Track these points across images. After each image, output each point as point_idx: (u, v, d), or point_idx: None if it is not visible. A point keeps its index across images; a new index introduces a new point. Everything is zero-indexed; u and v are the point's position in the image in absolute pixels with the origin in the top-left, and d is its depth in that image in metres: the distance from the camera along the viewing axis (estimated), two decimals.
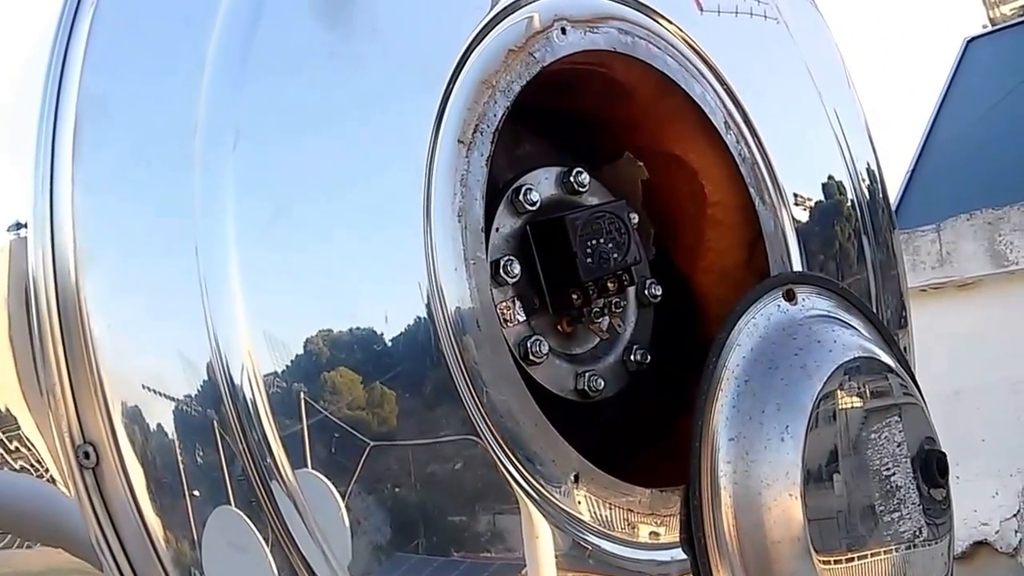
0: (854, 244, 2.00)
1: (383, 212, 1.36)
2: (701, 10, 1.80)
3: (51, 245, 1.16)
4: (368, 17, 1.41)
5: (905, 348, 2.10)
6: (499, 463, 1.39)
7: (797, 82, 1.95)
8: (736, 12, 1.88)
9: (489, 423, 1.38)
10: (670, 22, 1.75)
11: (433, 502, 1.37)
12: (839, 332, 1.77)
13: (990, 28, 6.18)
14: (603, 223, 1.63)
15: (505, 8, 1.54)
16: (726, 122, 1.78)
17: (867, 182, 2.04)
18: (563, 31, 1.60)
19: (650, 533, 1.56)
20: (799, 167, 1.91)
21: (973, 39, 6.03)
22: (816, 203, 1.94)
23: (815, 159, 1.99)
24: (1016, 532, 4.55)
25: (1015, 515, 4.56)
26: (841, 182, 2.00)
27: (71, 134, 1.17)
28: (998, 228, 4.44)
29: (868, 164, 2.06)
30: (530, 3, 1.57)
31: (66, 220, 1.16)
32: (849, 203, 2.00)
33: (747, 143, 1.80)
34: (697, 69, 1.76)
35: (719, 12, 1.85)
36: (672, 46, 1.74)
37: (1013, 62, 5.81)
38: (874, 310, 2.00)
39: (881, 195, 2.07)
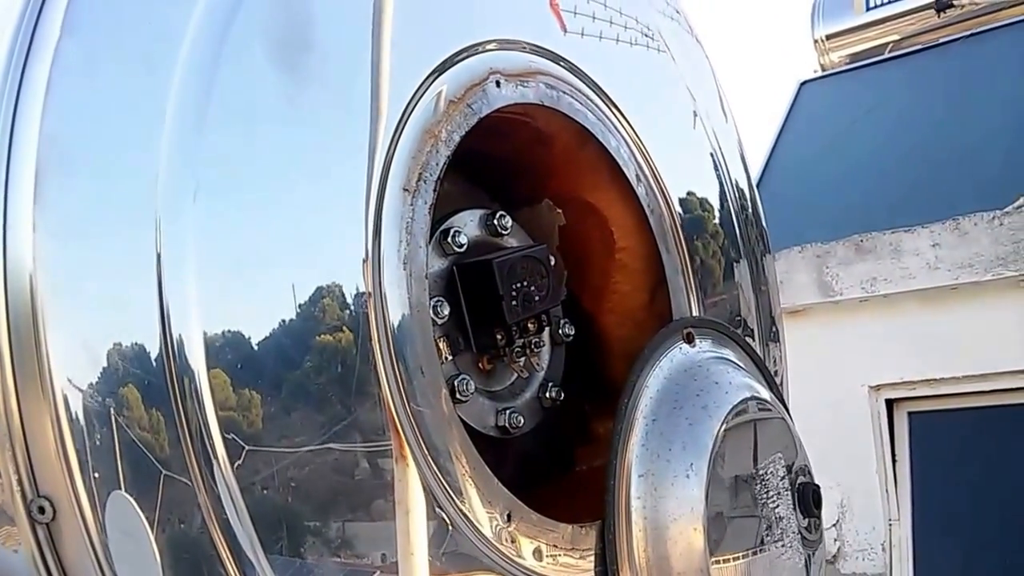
0: (731, 268, 2.13)
1: (336, 261, 1.39)
2: (564, 31, 1.85)
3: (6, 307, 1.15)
4: (321, 67, 1.44)
5: (778, 359, 2.27)
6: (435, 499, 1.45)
7: (697, 130, 2.08)
8: (631, 43, 1.98)
9: (431, 465, 1.44)
10: (589, 78, 1.84)
11: (366, 533, 1.41)
12: (732, 373, 1.91)
13: (821, 73, 6.61)
14: (528, 267, 1.71)
15: (444, 62, 1.60)
16: (637, 175, 1.89)
17: (747, 214, 2.19)
18: (497, 84, 1.67)
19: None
20: (695, 214, 2.04)
21: (806, 82, 6.44)
22: (708, 240, 2.07)
23: (708, 197, 2.12)
24: (835, 540, 4.90)
25: (834, 525, 4.91)
26: (728, 214, 2.13)
27: (31, 178, 1.15)
28: (825, 261, 4.79)
29: (747, 196, 2.21)
30: (465, 58, 1.64)
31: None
32: (730, 236, 2.14)
33: (655, 195, 1.91)
34: (612, 124, 1.87)
35: (623, 45, 1.95)
36: (591, 101, 1.83)
37: (843, 105, 6.23)
38: (751, 326, 2.17)
39: (756, 222, 2.22)
